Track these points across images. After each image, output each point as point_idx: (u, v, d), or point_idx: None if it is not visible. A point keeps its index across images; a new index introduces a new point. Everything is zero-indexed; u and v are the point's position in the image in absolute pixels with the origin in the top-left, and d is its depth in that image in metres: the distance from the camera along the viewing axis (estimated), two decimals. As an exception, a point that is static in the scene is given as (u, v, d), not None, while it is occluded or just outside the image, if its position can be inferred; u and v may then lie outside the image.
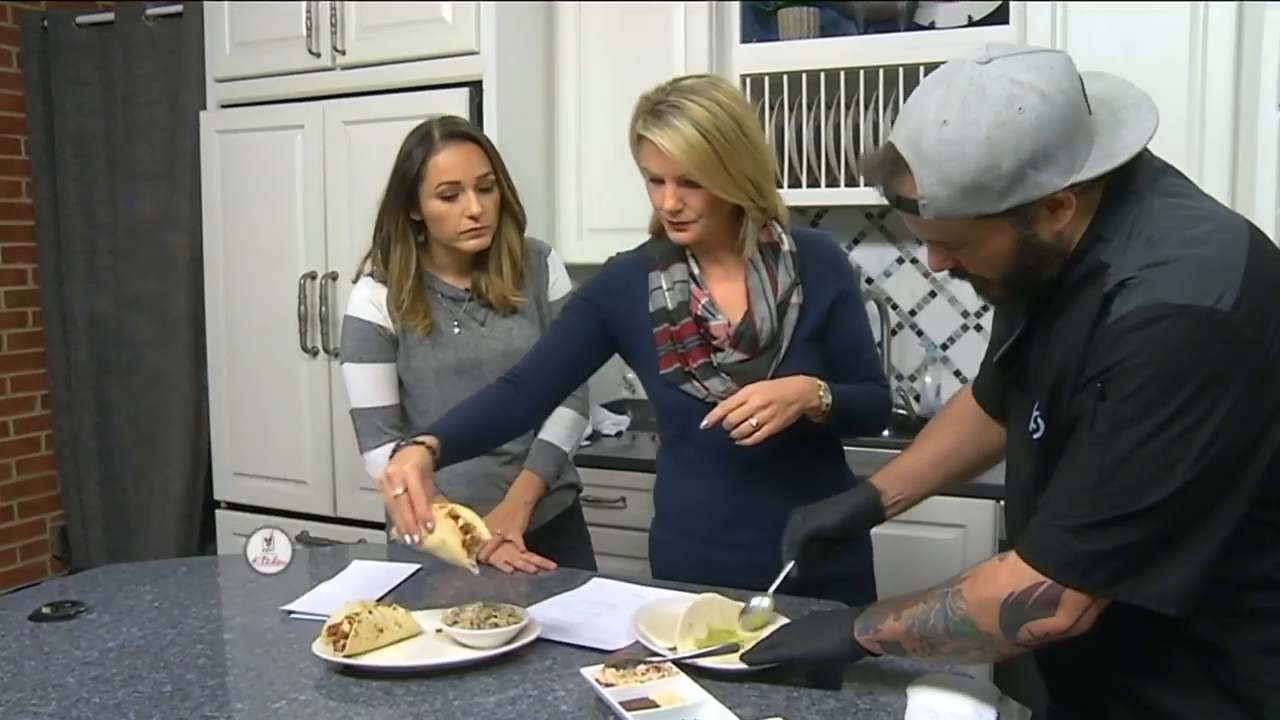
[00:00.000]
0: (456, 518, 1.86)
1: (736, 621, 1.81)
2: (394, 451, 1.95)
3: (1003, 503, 1.84)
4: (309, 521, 3.72)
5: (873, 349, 2.25)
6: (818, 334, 2.13)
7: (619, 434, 3.73)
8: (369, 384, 2.43)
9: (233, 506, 3.89)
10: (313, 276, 3.58)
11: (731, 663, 1.69)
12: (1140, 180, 1.43)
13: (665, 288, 2.12)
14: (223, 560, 2.39)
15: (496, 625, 1.79)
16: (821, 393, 2.03)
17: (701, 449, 2.09)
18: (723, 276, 2.14)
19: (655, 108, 1.98)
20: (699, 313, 2.09)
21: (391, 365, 2.44)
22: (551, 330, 2.27)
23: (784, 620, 1.77)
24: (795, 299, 2.11)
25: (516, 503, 2.40)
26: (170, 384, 4.19)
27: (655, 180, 2.03)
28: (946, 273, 1.52)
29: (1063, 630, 1.38)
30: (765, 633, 1.71)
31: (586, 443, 3.50)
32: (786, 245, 2.12)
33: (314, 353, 3.61)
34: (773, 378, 2.06)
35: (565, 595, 2.10)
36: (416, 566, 2.25)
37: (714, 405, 2.02)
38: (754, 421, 1.94)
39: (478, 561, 2.24)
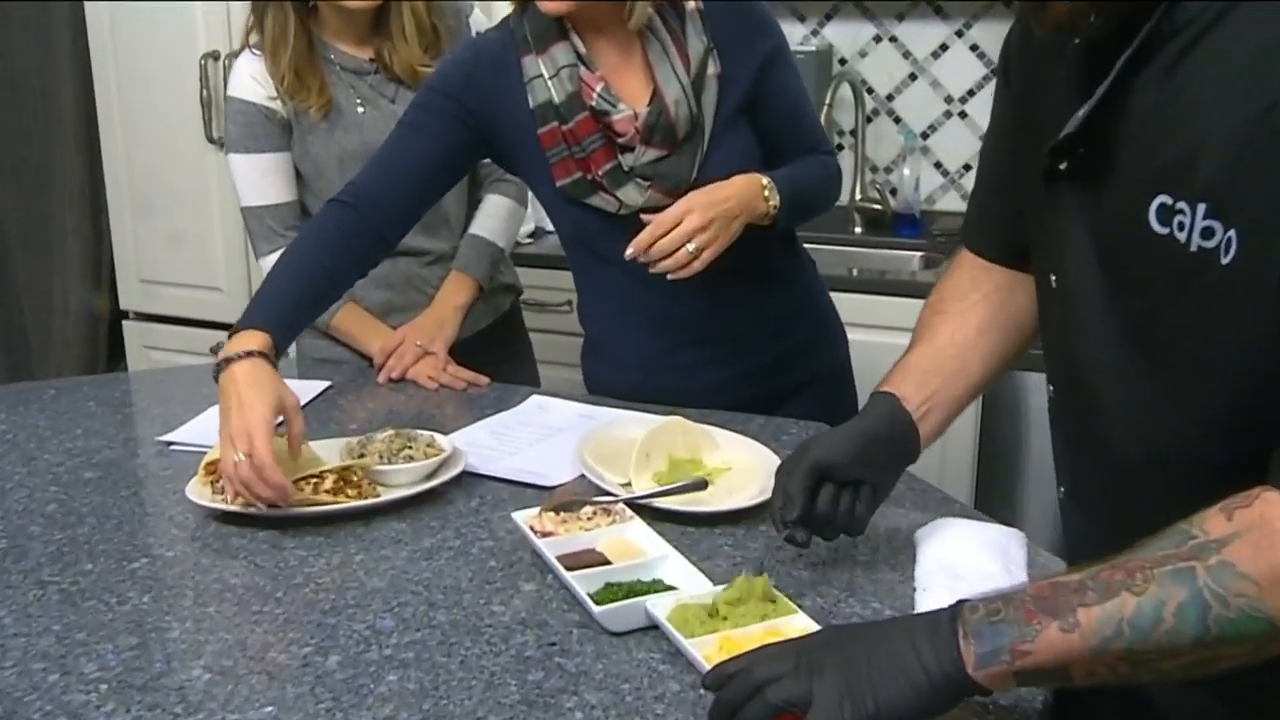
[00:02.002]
0: (342, 484, 1.42)
1: (703, 451, 1.51)
2: (217, 369, 1.50)
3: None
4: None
5: (812, 112, 1.85)
6: (745, 107, 1.72)
7: (565, 233, 3.39)
8: (259, 178, 2.04)
9: (142, 318, 3.53)
10: (215, 57, 3.14)
11: (699, 503, 1.39)
12: None
13: (547, 76, 1.68)
14: (99, 380, 2.05)
15: (411, 458, 1.48)
16: (767, 193, 1.66)
17: (624, 270, 1.68)
18: (616, 54, 1.70)
19: None
20: (595, 104, 1.67)
21: (284, 155, 2.04)
22: (401, 134, 1.77)
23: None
24: (712, 69, 1.68)
25: (444, 309, 2.06)
26: (61, 184, 3.76)
27: None
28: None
29: None
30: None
31: (527, 240, 3.16)
32: (692, 2, 1.69)
33: (221, 144, 3.19)
34: (699, 176, 1.68)
35: (499, 417, 1.78)
36: (325, 384, 1.93)
37: (630, 220, 1.66)
38: (691, 247, 1.58)
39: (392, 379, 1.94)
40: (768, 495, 1.36)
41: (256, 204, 2.04)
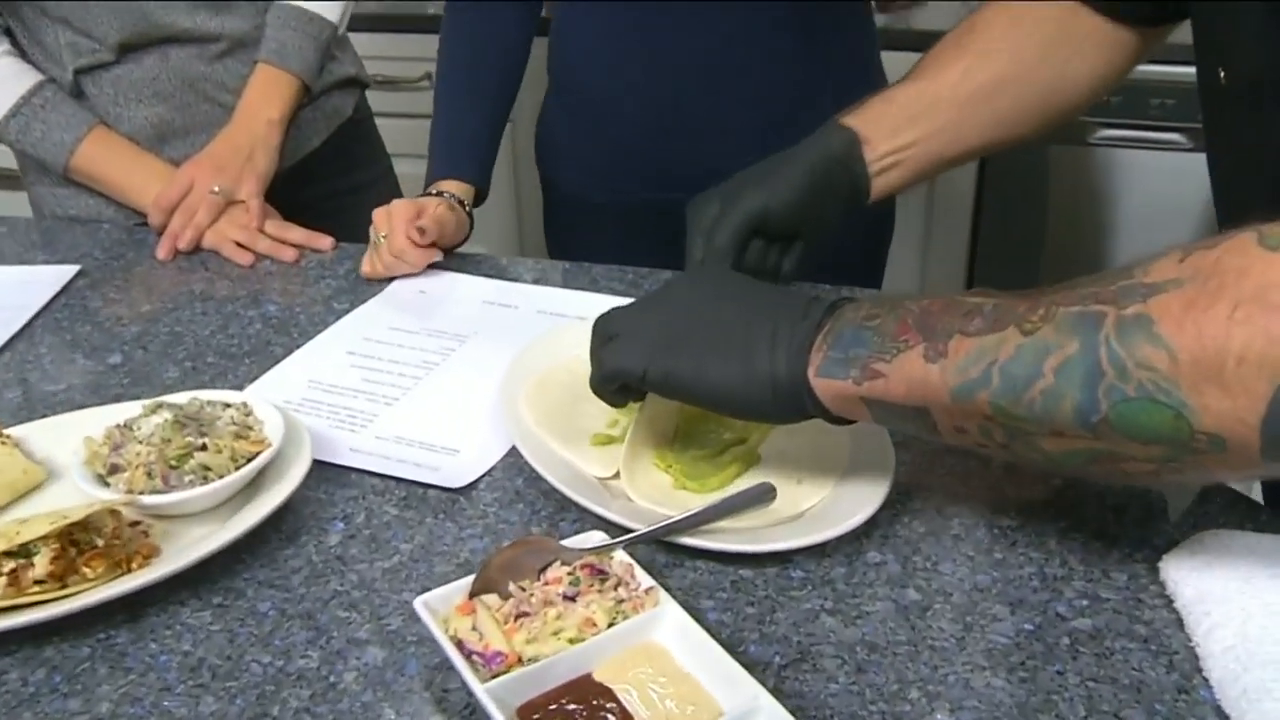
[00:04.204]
0: (74, 550, 0.73)
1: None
2: None
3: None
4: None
5: None
6: None
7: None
8: None
9: None
10: None
11: (769, 523, 0.76)
12: None
13: None
14: None
15: (207, 470, 0.80)
16: None
17: None
18: None
19: None
20: None
21: None
22: None
23: None
24: None
25: (251, 127, 1.34)
26: None
27: None
28: None
29: None
30: None
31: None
32: None
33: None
34: None
35: (360, 315, 1.12)
36: (71, 270, 1.22)
37: None
38: None
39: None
40: (871, 508, 0.77)
41: None
